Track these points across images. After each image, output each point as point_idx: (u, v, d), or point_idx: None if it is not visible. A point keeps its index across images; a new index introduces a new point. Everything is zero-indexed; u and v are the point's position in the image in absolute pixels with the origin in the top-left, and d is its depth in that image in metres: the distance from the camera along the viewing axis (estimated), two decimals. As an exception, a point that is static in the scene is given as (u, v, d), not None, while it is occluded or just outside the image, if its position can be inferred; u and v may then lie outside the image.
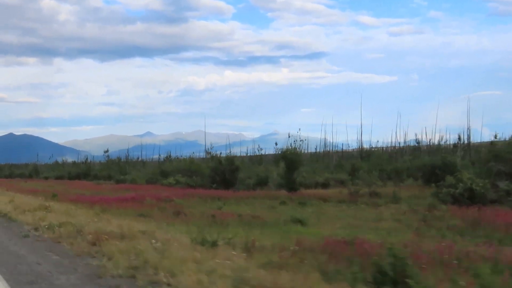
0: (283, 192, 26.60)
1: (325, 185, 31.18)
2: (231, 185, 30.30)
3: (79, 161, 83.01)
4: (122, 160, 66.01)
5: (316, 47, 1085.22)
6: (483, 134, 37.96)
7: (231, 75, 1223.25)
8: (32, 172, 73.95)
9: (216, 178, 31.48)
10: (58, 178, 60.18)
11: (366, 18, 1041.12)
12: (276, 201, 23.44)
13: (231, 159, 33.40)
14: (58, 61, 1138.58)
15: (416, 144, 38.07)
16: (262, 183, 31.44)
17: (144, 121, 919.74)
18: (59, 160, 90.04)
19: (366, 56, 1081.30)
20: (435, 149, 37.11)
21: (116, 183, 41.62)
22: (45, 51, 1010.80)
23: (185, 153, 69.70)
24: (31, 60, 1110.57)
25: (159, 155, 67.08)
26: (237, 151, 62.74)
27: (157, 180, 37.56)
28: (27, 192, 28.10)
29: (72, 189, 35.15)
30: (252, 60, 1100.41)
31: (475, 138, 38.17)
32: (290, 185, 28.03)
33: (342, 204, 22.36)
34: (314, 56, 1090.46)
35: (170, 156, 59.92)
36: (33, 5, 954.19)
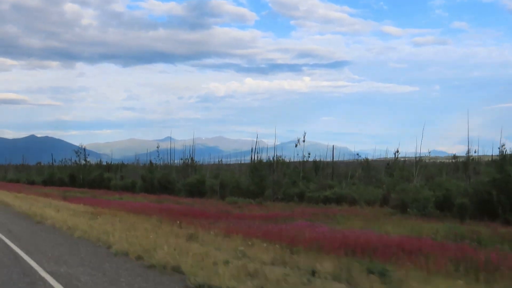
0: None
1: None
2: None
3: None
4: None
5: (339, 56, 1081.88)
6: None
7: (251, 82, 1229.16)
8: (166, 183, 42.42)
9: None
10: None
11: (389, 28, 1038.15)
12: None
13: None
14: (80, 65, 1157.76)
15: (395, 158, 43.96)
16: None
17: (164, 126, 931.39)
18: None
19: (388, 66, 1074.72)
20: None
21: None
22: (67, 55, 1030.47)
23: (206, 159, 74.95)
24: (54, 63, 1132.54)
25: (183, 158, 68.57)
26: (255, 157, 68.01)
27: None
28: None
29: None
30: (273, 67, 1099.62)
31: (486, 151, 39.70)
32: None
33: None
34: (336, 65, 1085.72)
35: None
36: (56, 9, 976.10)
